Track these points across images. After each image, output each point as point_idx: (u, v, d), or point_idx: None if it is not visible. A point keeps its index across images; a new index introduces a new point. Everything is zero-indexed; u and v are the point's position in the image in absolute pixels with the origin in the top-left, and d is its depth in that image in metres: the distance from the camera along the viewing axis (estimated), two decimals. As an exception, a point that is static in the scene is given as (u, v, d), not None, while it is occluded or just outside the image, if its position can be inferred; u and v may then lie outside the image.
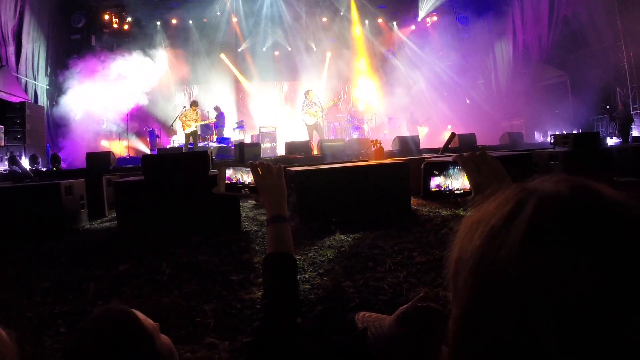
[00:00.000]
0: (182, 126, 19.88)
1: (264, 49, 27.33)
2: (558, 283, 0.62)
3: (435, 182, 1.66)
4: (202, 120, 20.87)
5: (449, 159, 1.76)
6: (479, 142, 17.50)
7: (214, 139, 21.83)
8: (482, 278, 0.70)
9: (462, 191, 1.64)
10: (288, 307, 1.71)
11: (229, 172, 2.04)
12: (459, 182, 1.64)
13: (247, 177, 2.06)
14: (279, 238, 1.88)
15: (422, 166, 1.67)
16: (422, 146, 17.14)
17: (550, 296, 0.62)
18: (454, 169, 1.65)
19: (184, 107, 20.28)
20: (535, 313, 0.63)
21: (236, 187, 2.06)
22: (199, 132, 21.26)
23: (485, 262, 0.69)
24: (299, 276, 4.82)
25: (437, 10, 27.95)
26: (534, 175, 0.79)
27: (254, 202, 10.37)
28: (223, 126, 22.63)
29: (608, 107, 22.02)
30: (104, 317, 1.49)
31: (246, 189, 2.06)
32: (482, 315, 0.69)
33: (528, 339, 0.63)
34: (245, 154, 14.40)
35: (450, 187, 1.65)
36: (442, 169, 1.65)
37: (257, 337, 1.69)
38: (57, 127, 22.57)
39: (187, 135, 19.78)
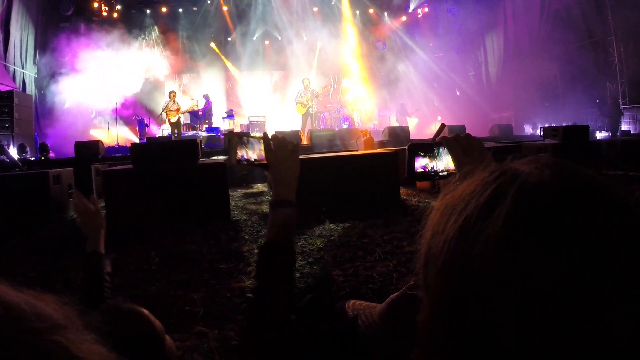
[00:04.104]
0: (167, 116, 19.93)
1: (254, 38, 27.19)
2: (536, 282, 0.59)
3: (421, 163, 1.63)
4: (184, 109, 20.95)
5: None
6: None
7: (203, 128, 21.77)
8: (454, 275, 0.66)
9: (446, 172, 1.63)
10: (281, 305, 1.56)
11: (238, 152, 1.75)
12: (443, 163, 1.62)
13: (252, 154, 1.78)
14: (283, 226, 1.65)
15: (407, 147, 1.65)
16: (411, 137, 17.18)
17: (530, 295, 0.59)
18: (439, 150, 1.63)
19: (167, 100, 20.35)
20: (511, 314, 0.60)
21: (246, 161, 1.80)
22: (187, 122, 21.26)
23: (459, 258, 0.65)
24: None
25: (428, 1, 27.92)
26: (512, 155, 0.75)
27: (243, 190, 10.36)
28: (211, 114, 22.57)
29: (598, 101, 22.11)
30: (118, 316, 1.46)
31: (252, 165, 1.80)
32: (454, 314, 0.65)
33: (502, 340, 0.60)
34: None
35: (435, 169, 1.63)
36: (427, 150, 1.63)
37: (245, 338, 1.58)
38: (45, 116, 22.38)
39: (172, 125, 19.85)
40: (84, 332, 0.72)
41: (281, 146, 1.74)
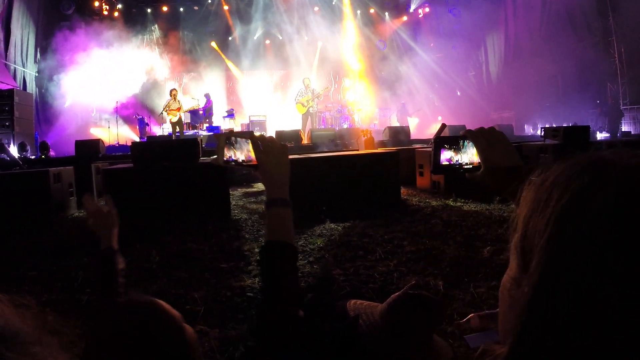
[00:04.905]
0: (168, 116, 19.92)
1: (255, 38, 27.19)
2: None
3: (446, 155, 1.61)
4: (185, 108, 20.91)
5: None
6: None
7: (204, 127, 21.76)
8: (562, 245, 0.70)
9: (471, 166, 1.60)
10: (289, 302, 1.53)
11: (226, 152, 1.72)
12: (468, 156, 1.60)
13: (240, 154, 1.75)
14: (279, 225, 1.66)
15: (432, 140, 1.64)
16: (412, 137, 17.18)
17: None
18: (464, 143, 1.61)
19: (171, 97, 20.35)
20: (624, 285, 0.63)
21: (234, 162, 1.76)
22: (188, 121, 21.21)
23: (567, 233, 0.70)
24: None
25: (429, 1, 27.92)
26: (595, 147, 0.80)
27: (244, 189, 10.36)
28: (211, 114, 22.57)
29: (598, 101, 22.09)
30: (131, 309, 1.45)
31: (241, 166, 1.78)
32: (559, 283, 0.69)
33: (606, 314, 0.64)
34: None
35: (460, 162, 1.61)
36: (452, 143, 1.61)
37: (258, 339, 1.55)
38: (46, 115, 22.38)
39: (174, 124, 19.82)
40: (31, 337, 0.67)
41: (270, 147, 1.72)
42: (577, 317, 0.66)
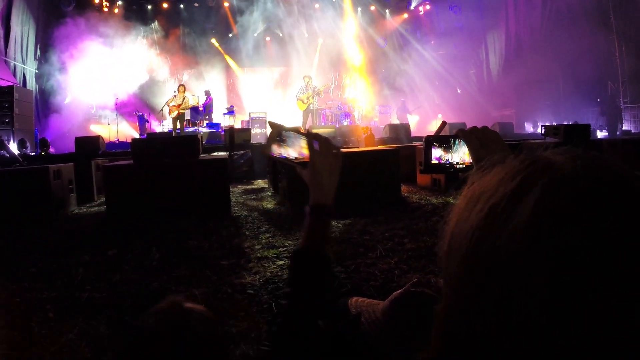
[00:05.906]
0: (169, 111, 19.89)
1: (256, 35, 27.13)
2: (559, 275, 0.57)
3: (435, 154, 1.58)
4: (188, 104, 20.72)
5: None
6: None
7: (204, 124, 21.74)
8: (477, 265, 0.64)
9: (463, 165, 1.57)
10: (314, 314, 1.47)
11: (274, 146, 1.65)
12: (459, 155, 1.57)
13: (292, 152, 1.67)
14: (321, 233, 1.56)
15: (423, 139, 1.61)
16: (412, 134, 17.17)
17: (553, 286, 0.57)
18: (455, 142, 1.58)
19: (174, 92, 20.26)
20: (533, 307, 0.58)
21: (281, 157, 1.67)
22: (188, 117, 21.15)
23: (483, 247, 0.63)
24: (289, 263, 4.82)
25: (430, -1, 27.94)
26: (545, 145, 0.73)
27: (244, 186, 10.36)
28: (211, 110, 22.56)
29: (599, 100, 22.08)
30: (161, 314, 1.38)
31: (288, 162, 1.67)
32: (473, 305, 0.64)
33: (520, 331, 0.59)
34: (235, 139, 14.34)
35: (450, 161, 1.58)
36: (443, 141, 1.58)
37: (274, 344, 1.48)
38: (45, 111, 22.35)
39: (174, 120, 19.77)
40: None
41: (327, 149, 1.62)
42: (490, 333, 0.62)
